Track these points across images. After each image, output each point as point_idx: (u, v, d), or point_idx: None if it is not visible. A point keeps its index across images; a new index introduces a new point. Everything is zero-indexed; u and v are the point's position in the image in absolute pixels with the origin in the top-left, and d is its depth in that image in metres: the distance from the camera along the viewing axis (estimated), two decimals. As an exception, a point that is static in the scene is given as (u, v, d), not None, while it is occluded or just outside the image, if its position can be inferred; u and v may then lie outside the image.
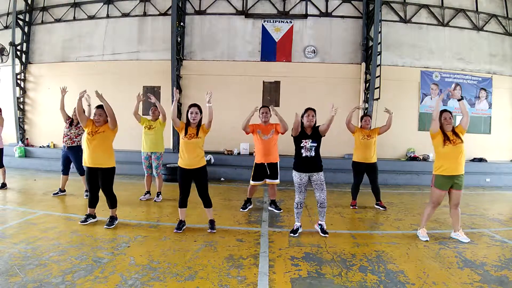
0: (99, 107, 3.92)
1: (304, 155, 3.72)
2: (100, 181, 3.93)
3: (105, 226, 3.85)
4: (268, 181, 4.87)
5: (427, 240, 3.70)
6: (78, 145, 5.41)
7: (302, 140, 3.73)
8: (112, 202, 3.98)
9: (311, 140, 3.72)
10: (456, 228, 3.82)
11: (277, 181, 4.87)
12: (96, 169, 3.89)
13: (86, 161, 3.90)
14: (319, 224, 3.91)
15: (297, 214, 3.89)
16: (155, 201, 5.38)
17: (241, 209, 4.97)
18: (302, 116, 3.80)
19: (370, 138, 5.20)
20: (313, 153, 3.73)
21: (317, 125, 3.83)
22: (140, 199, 5.39)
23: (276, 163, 4.85)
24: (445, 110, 3.78)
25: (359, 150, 5.26)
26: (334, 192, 6.39)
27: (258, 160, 4.82)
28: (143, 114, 8.99)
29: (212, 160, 8.42)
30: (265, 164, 4.78)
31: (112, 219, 3.96)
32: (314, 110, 3.81)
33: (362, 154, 5.22)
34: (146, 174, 5.52)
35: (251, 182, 4.89)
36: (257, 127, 4.80)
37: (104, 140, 3.90)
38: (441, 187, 3.70)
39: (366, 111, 8.83)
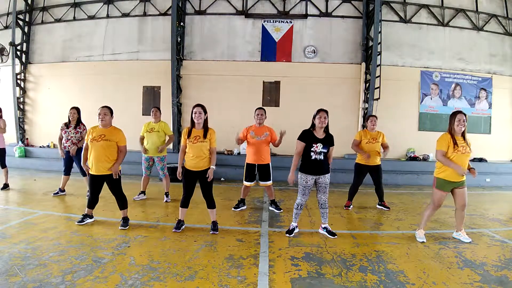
0: (104, 106, 3.85)
1: (313, 157, 3.65)
2: (108, 186, 3.90)
3: (120, 227, 3.85)
4: (261, 183, 4.88)
5: (423, 242, 3.68)
6: (81, 148, 5.41)
7: (313, 144, 3.64)
8: (123, 203, 3.98)
9: (321, 145, 3.64)
10: (459, 228, 3.81)
11: (270, 182, 4.85)
12: (102, 176, 3.85)
13: (91, 169, 3.82)
14: (324, 227, 3.89)
15: (296, 215, 3.88)
16: (165, 201, 5.37)
17: (233, 209, 4.98)
18: (314, 117, 3.71)
19: (375, 141, 5.09)
20: (322, 157, 3.66)
21: (329, 129, 3.78)
22: (134, 199, 5.33)
23: (268, 164, 4.85)
24: (460, 112, 3.58)
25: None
26: (334, 192, 6.38)
27: (250, 160, 4.84)
28: (143, 114, 9.14)
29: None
30: (256, 165, 4.79)
31: (125, 219, 3.96)
32: (326, 112, 3.69)
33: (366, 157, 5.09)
34: (144, 175, 5.50)
35: (244, 183, 4.90)
36: (250, 129, 4.82)
37: (109, 146, 3.80)
38: (443, 188, 3.65)
39: (366, 111, 8.83)
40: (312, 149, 3.64)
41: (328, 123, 3.71)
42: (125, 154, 3.91)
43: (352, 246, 3.53)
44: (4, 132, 5.84)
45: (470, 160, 3.75)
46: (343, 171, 7.70)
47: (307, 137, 3.68)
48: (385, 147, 5.18)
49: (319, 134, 3.70)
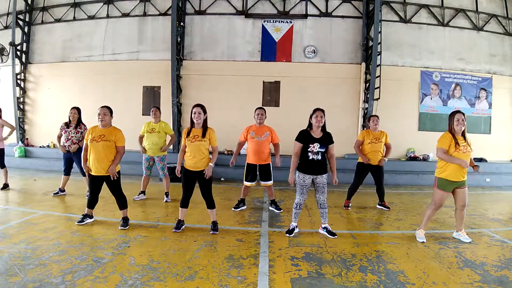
0: (104, 106, 3.86)
1: (310, 158, 3.65)
2: (108, 186, 3.90)
3: (120, 227, 3.84)
4: (262, 183, 4.88)
5: (423, 242, 3.68)
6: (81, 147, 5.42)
7: (310, 145, 3.64)
8: (123, 203, 3.97)
9: (319, 145, 3.64)
10: (459, 228, 3.80)
11: (270, 182, 4.86)
12: (101, 176, 3.85)
13: (91, 169, 3.83)
14: (324, 227, 3.89)
15: (295, 214, 3.88)
16: (165, 201, 5.37)
17: (233, 209, 4.98)
18: (311, 117, 3.71)
19: (378, 141, 5.07)
20: (319, 157, 3.66)
21: (327, 130, 3.77)
22: (134, 199, 5.32)
23: (269, 164, 4.85)
24: (458, 111, 3.61)
25: (365, 153, 5.11)
26: (334, 192, 6.38)
27: (250, 160, 4.84)
28: (143, 114, 9.15)
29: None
30: (257, 165, 4.79)
31: (125, 219, 3.96)
32: (323, 111, 3.69)
33: (369, 157, 5.08)
34: (144, 175, 5.50)
35: (244, 183, 4.90)
36: (250, 129, 4.81)
37: (109, 147, 3.80)
38: (445, 188, 3.65)
39: (366, 111, 8.83)
40: (309, 149, 3.65)
41: (325, 122, 3.71)
42: (122, 155, 3.89)
43: (352, 246, 3.53)
44: (14, 128, 5.90)
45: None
46: (343, 171, 7.68)
47: (304, 137, 3.69)
48: (387, 147, 5.19)
49: (316, 133, 3.70)
